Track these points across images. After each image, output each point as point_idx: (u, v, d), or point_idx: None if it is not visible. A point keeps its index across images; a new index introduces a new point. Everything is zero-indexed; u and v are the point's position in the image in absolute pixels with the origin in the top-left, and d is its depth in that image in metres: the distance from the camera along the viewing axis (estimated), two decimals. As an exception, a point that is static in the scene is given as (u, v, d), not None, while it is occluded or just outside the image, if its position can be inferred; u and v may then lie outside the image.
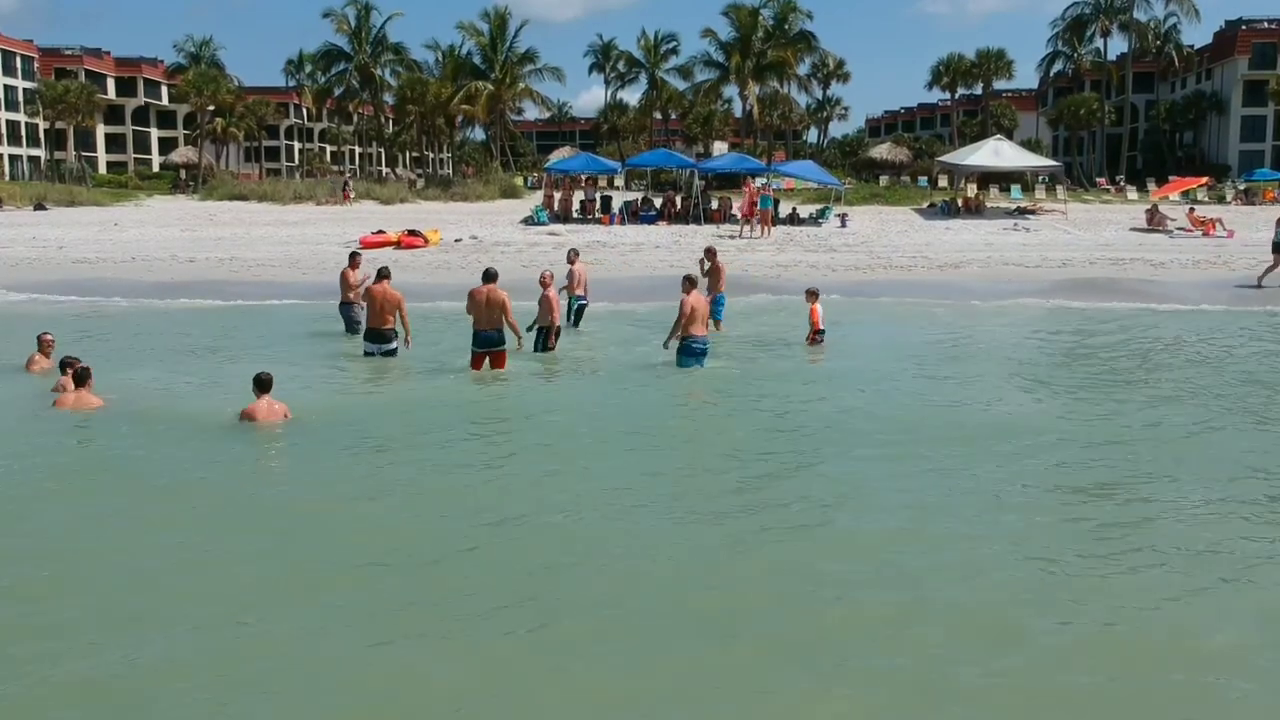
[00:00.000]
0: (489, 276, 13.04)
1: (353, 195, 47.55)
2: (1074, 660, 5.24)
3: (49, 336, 12.34)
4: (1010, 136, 56.82)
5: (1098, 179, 57.86)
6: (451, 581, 6.24)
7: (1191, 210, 36.59)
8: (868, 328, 18.30)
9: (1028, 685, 5.02)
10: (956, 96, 72.14)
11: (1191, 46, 73.85)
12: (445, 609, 5.82)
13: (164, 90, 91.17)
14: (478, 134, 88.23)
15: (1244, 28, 73.97)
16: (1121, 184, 54.57)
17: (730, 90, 61.03)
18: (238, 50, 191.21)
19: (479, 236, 32.21)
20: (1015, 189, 46.96)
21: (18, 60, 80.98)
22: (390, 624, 5.60)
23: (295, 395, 10.21)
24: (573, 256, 16.73)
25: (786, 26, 56.05)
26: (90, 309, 20.08)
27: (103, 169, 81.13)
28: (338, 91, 66.61)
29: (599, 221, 36.94)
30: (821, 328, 15.04)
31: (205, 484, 8.28)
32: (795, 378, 13.22)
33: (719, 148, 70.40)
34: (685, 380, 12.79)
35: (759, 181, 37.33)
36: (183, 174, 66.01)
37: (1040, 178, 47.24)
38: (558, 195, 39.84)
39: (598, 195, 41.77)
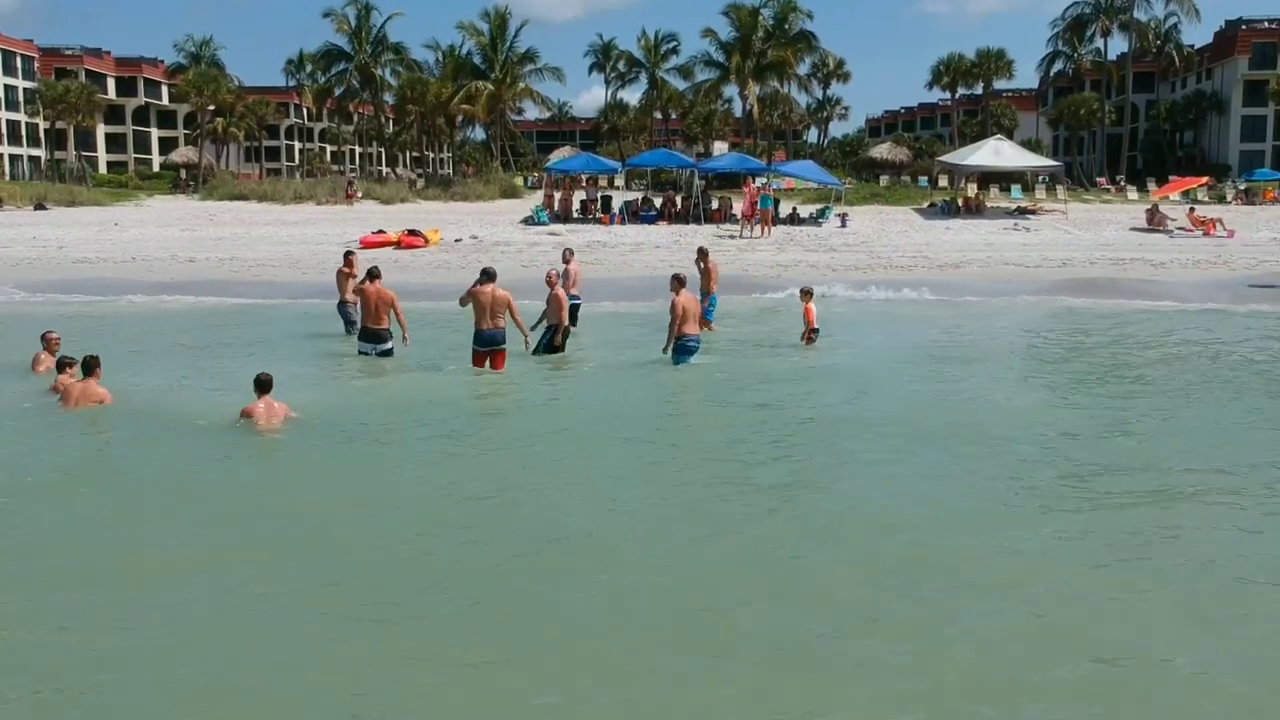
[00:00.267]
0: (490, 275, 13.02)
1: (360, 194, 47.56)
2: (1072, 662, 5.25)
3: (55, 335, 12.30)
4: (1010, 136, 56.80)
5: (1098, 179, 57.85)
6: (447, 583, 6.23)
7: (1192, 210, 36.59)
8: (866, 327, 18.31)
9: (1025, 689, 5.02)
10: (957, 96, 72.13)
11: (1192, 46, 73.85)
12: (440, 610, 5.81)
13: (164, 90, 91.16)
14: (478, 134, 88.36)
15: (1244, 27, 73.95)
16: (1122, 184, 54.56)
17: (730, 90, 61.13)
18: (238, 50, 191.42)
19: (479, 236, 32.22)
20: (1015, 189, 46.96)
21: (18, 60, 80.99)
22: (383, 626, 5.59)
23: (294, 396, 10.20)
24: (568, 256, 16.74)
25: (786, 26, 56.04)
26: (91, 309, 20.10)
27: (103, 169, 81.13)
28: (338, 91, 66.59)
29: (599, 221, 36.94)
30: (816, 327, 15.06)
31: (202, 484, 8.28)
32: (788, 377, 13.22)
33: (719, 148, 70.40)
34: (682, 380, 12.81)
35: (759, 181, 37.34)
36: (183, 174, 66.00)
37: (1040, 178, 47.24)
38: (558, 195, 39.84)
39: (598, 195, 41.77)
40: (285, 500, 7.99)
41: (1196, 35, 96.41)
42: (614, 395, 12.08)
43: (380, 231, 31.61)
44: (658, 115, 71.18)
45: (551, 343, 13.86)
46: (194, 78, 61.85)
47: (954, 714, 4.76)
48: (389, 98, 66.57)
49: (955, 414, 10.80)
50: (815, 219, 37.26)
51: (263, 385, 9.62)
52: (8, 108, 78.35)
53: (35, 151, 78.70)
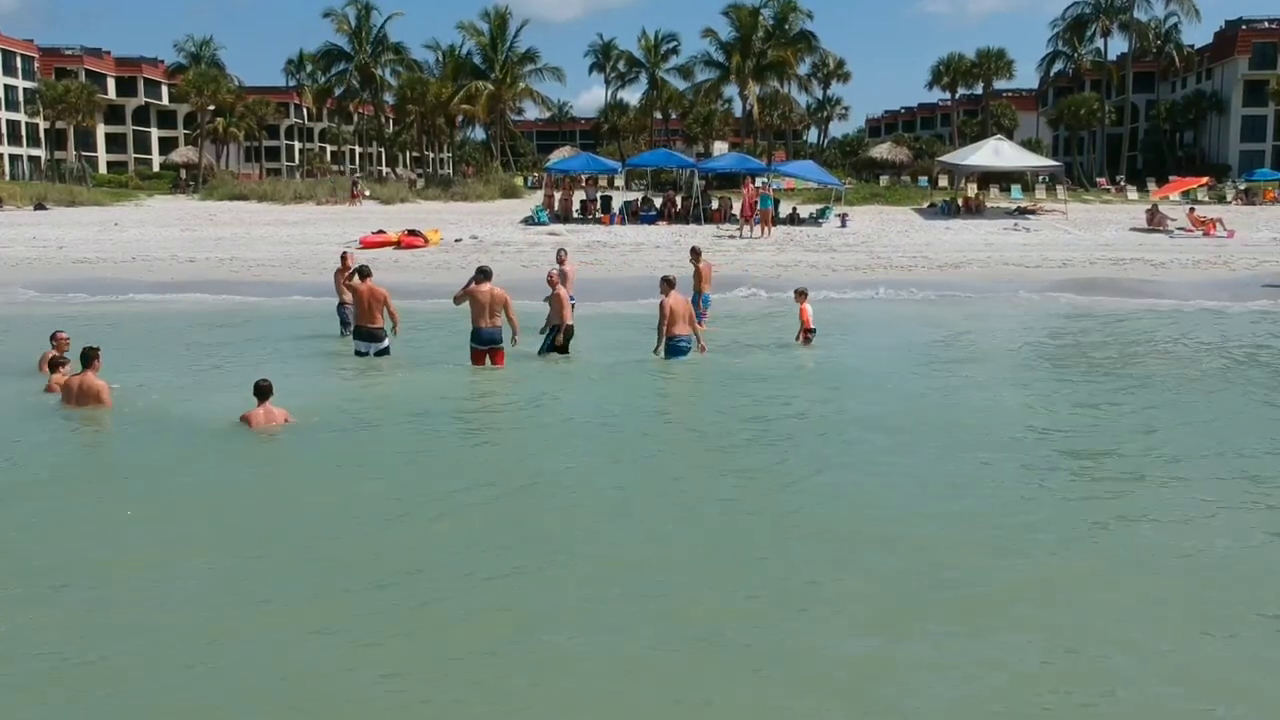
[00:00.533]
0: (486, 274, 13.09)
1: (366, 194, 47.53)
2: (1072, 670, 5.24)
3: (64, 335, 12.22)
4: (1010, 136, 56.79)
5: (1098, 179, 57.83)
6: (441, 585, 6.22)
7: (1192, 210, 36.57)
8: (865, 327, 18.32)
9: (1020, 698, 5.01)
10: (957, 96, 72.12)
11: (1192, 46, 73.85)
12: (432, 614, 5.79)
13: (164, 90, 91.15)
14: (478, 134, 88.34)
15: (1244, 27, 73.94)
16: (1122, 184, 54.55)
17: (730, 90, 61.10)
18: (238, 50, 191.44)
19: (479, 236, 32.21)
20: (1015, 189, 46.95)
21: (18, 60, 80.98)
22: (375, 630, 5.55)
23: (293, 397, 10.18)
24: (562, 256, 16.73)
25: (787, 26, 56.03)
26: (90, 309, 20.09)
27: (103, 169, 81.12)
28: (338, 91, 66.59)
29: (599, 221, 36.94)
30: (812, 327, 15.09)
31: (198, 484, 8.28)
32: (786, 377, 13.28)
33: (719, 148, 70.38)
34: (678, 380, 12.83)
35: (759, 181, 37.33)
36: (183, 174, 65.99)
37: (1040, 178, 47.22)
38: (558, 195, 39.84)
39: (598, 195, 41.77)
40: (281, 502, 7.97)
41: (1196, 35, 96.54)
42: (612, 396, 12.07)
43: (380, 232, 31.60)
44: (658, 115, 71.17)
45: (554, 343, 13.87)
46: (194, 78, 61.84)
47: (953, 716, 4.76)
48: (389, 98, 66.57)
49: (953, 414, 10.79)
50: (815, 219, 37.25)
51: (262, 392, 9.61)
52: (8, 108, 78.35)
53: (35, 151, 78.70)
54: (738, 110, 66.99)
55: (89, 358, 10.32)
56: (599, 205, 39.18)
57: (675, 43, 66.08)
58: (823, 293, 21.38)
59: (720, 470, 8.71)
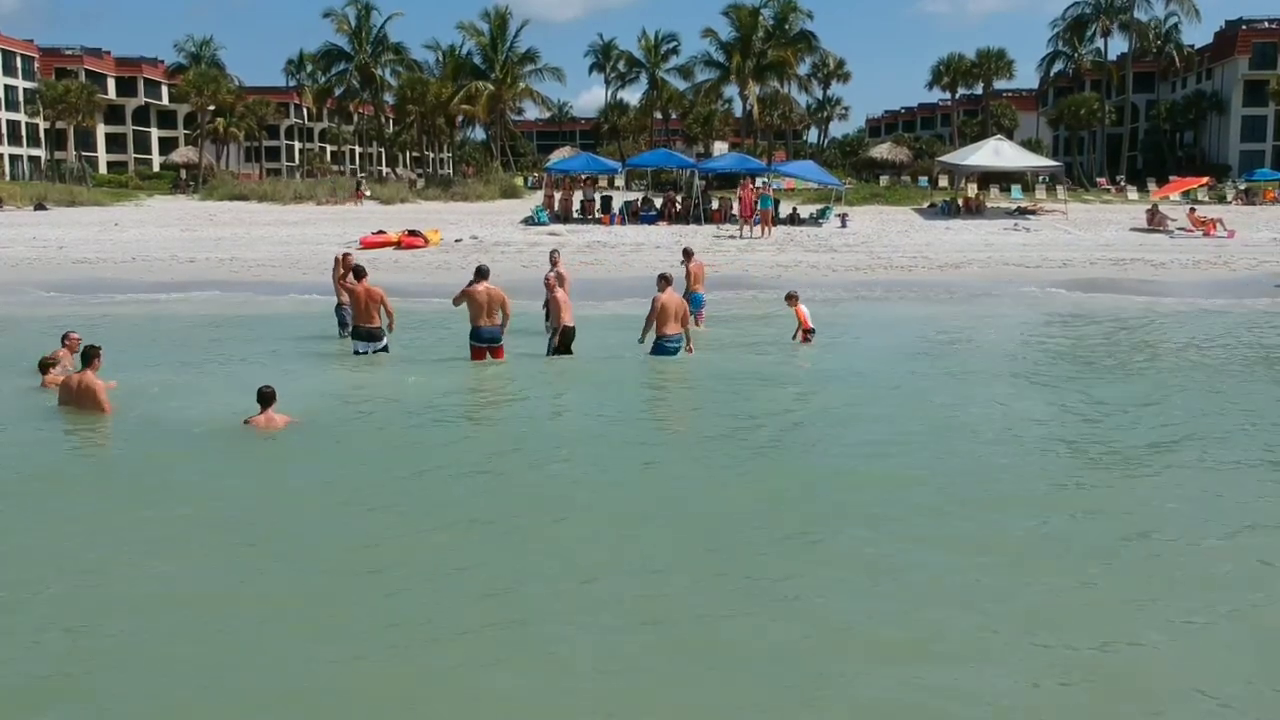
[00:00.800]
0: (483, 273, 13.18)
1: (368, 194, 47.49)
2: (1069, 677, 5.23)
3: (75, 335, 12.14)
4: (1010, 136, 56.79)
5: (1098, 179, 57.83)
6: (437, 589, 6.21)
7: (1192, 210, 36.56)
8: (865, 327, 18.31)
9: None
10: (957, 96, 72.12)
11: (1192, 46, 73.83)
12: (426, 617, 5.77)
13: (164, 90, 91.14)
14: (478, 134, 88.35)
15: (1244, 27, 73.94)
16: (1122, 184, 54.55)
17: (730, 90, 61.11)
18: (238, 50, 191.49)
19: (479, 237, 32.21)
20: (1015, 189, 46.95)
21: (18, 60, 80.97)
22: (367, 634, 5.54)
23: (293, 398, 10.16)
24: (555, 257, 16.72)
25: (787, 26, 56.04)
26: (91, 310, 20.08)
27: (103, 169, 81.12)
28: (338, 91, 66.60)
29: (599, 221, 36.94)
30: (811, 326, 15.14)
31: (196, 485, 8.27)
32: (784, 377, 13.31)
33: (719, 148, 70.39)
34: (677, 380, 12.84)
35: (759, 182, 37.32)
36: (183, 174, 65.99)
37: (1040, 178, 47.22)
38: (558, 195, 39.83)
39: (598, 195, 41.77)
40: (280, 502, 7.96)
41: (1197, 35, 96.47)
42: (611, 396, 12.05)
43: (380, 232, 31.60)
44: (658, 115, 71.17)
45: (554, 345, 13.86)
46: (194, 78, 61.84)
47: None
48: (389, 98, 66.58)
49: (952, 414, 10.77)
50: (815, 219, 37.25)
51: (265, 399, 9.59)
52: (8, 108, 78.33)
53: (35, 151, 78.69)
54: (738, 110, 67.06)
55: (89, 357, 10.31)
56: (599, 205, 39.18)
57: (675, 43, 66.19)
58: (823, 293, 21.43)
59: (720, 472, 8.69)
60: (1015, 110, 75.37)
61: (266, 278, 24.91)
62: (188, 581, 6.26)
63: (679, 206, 38.45)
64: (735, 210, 36.03)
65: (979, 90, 71.66)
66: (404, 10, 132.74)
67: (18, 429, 10.14)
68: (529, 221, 36.23)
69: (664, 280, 13.47)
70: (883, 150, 65.30)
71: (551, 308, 13.96)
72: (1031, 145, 57.87)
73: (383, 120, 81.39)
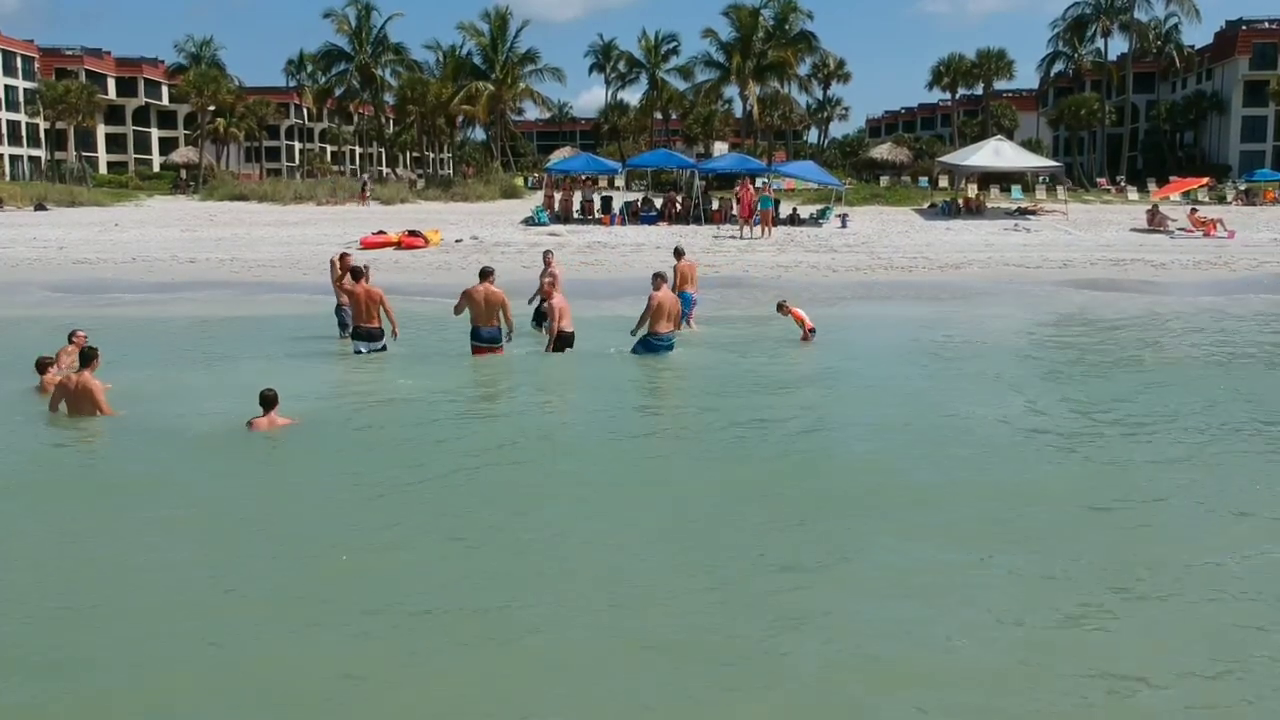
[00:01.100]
0: (486, 274, 13.28)
1: (370, 194, 47.42)
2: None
3: (82, 334, 12.08)
4: (1011, 137, 56.80)
5: (1098, 179, 57.84)
6: (434, 593, 6.20)
7: (1193, 211, 36.56)
8: (864, 327, 18.31)
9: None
10: (957, 97, 72.14)
11: (1192, 46, 73.84)
12: (420, 622, 5.77)
13: (164, 90, 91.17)
14: (478, 134, 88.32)
15: (1244, 28, 73.96)
16: (1122, 184, 54.55)
17: (731, 90, 61.14)
18: (238, 50, 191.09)
19: (479, 237, 32.19)
20: (1016, 189, 46.96)
21: (18, 60, 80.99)
22: (361, 638, 5.53)
23: (292, 399, 10.15)
24: (549, 258, 16.73)
25: (787, 27, 56.06)
26: (91, 310, 20.07)
27: (103, 169, 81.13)
28: (338, 92, 66.61)
29: (599, 222, 36.93)
30: (812, 326, 15.21)
31: (198, 487, 8.27)
32: (783, 377, 13.31)
33: (719, 148, 70.40)
34: (675, 380, 12.87)
35: (760, 182, 37.31)
36: (183, 174, 66.00)
37: (1041, 178, 47.22)
38: (558, 196, 39.82)
39: (598, 196, 41.77)
40: (279, 505, 7.96)
41: (1197, 35, 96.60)
42: (610, 397, 12.05)
43: (380, 232, 31.59)
44: (658, 116, 71.18)
45: (552, 345, 13.85)
46: (194, 78, 61.85)
47: None
48: (389, 98, 66.58)
49: (951, 415, 10.76)
50: (815, 219, 37.25)
51: (267, 402, 9.59)
52: (8, 108, 78.35)
53: (35, 152, 78.70)
54: (738, 111, 67.08)
55: (88, 358, 10.32)
56: (599, 206, 39.17)
57: (675, 43, 66.23)
58: (823, 294, 21.45)
59: (719, 473, 8.69)
60: (1015, 110, 75.40)
61: (267, 278, 24.89)
62: (187, 582, 6.25)
63: (679, 207, 38.44)
64: (735, 211, 36.03)
65: (979, 90, 71.69)
66: (404, 10, 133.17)
67: (14, 430, 10.11)
68: (529, 222, 36.23)
69: (659, 279, 13.57)
70: (883, 150, 65.30)
71: (549, 313, 13.91)
72: (1032, 145, 57.87)
73: (383, 120, 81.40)
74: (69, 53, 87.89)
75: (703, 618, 5.71)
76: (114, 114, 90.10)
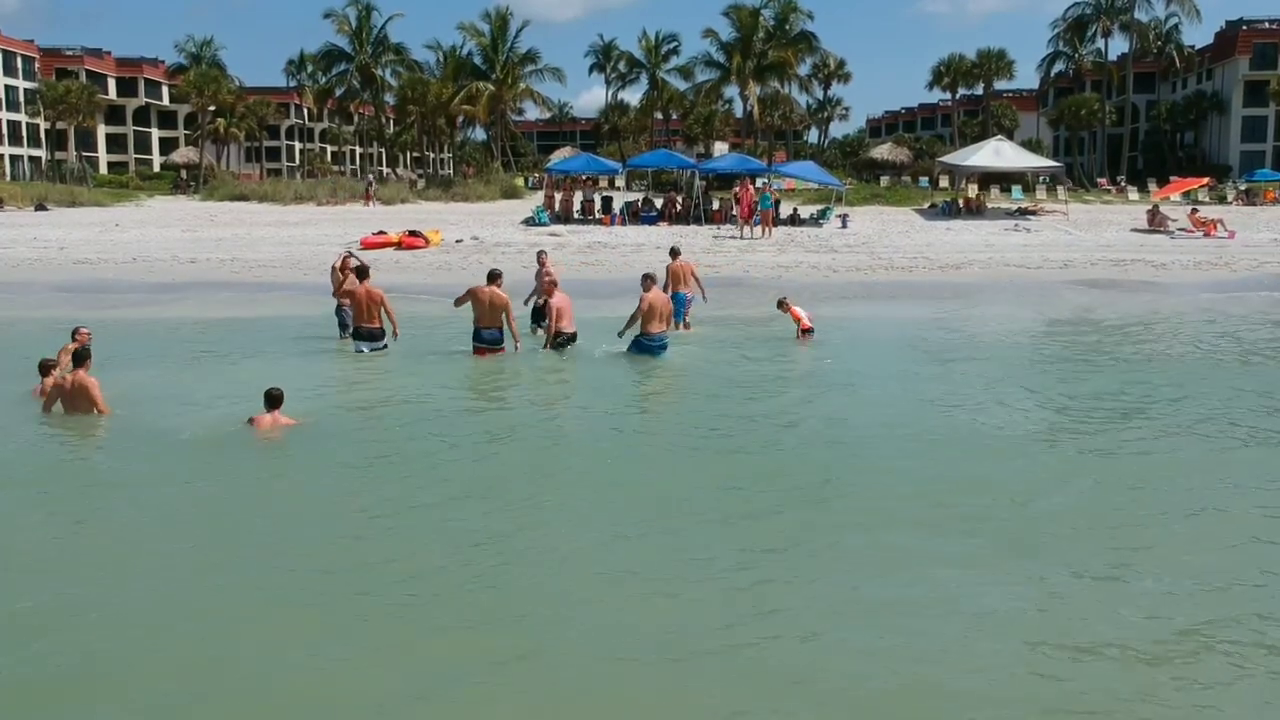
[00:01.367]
0: (492, 277, 13.39)
1: (374, 194, 47.38)
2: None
3: (86, 331, 12.05)
4: (1011, 137, 56.78)
5: (1099, 179, 57.82)
6: (431, 595, 6.21)
7: (1194, 211, 36.55)
8: (864, 327, 18.29)
9: None
10: (957, 97, 72.13)
11: (1192, 47, 73.82)
12: (417, 625, 5.77)
13: (165, 90, 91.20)
14: (478, 134, 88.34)
15: (1245, 28, 73.97)
16: (1122, 184, 54.54)
17: (731, 90, 61.10)
18: (238, 50, 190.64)
19: (480, 237, 32.19)
20: (1016, 189, 46.94)
21: (18, 60, 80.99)
22: (354, 642, 5.53)
23: (293, 400, 10.15)
24: (543, 258, 16.74)
25: (787, 27, 56.05)
26: (91, 311, 20.06)
27: (104, 169, 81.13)
28: (339, 92, 66.59)
29: (600, 222, 36.93)
30: (810, 326, 15.18)
31: (198, 488, 8.28)
32: (781, 378, 13.36)
33: (720, 148, 70.36)
34: (674, 381, 12.88)
35: (760, 182, 37.29)
36: (183, 174, 65.99)
37: (1041, 178, 47.20)
38: (558, 196, 39.80)
39: (598, 196, 41.76)
40: (278, 505, 7.97)
41: (1197, 35, 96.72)
42: (609, 397, 12.05)
43: (381, 232, 31.58)
44: (658, 116, 71.17)
45: (551, 343, 13.86)
46: (195, 78, 61.85)
47: None
48: (390, 98, 66.55)
49: (950, 417, 10.77)
50: (816, 220, 37.24)
51: (273, 400, 9.62)
52: (8, 108, 78.36)
53: (36, 152, 78.71)
54: (738, 111, 67.04)
55: (81, 357, 10.36)
56: (599, 206, 39.17)
57: (676, 43, 66.21)
58: (823, 294, 21.44)
59: (719, 474, 8.70)
60: (1016, 111, 75.40)
61: (268, 279, 24.89)
62: (186, 582, 6.26)
63: (679, 207, 38.44)
64: (735, 211, 36.02)
65: (979, 90, 71.68)
66: (404, 11, 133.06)
67: (13, 431, 10.11)
68: (529, 222, 36.22)
69: (649, 280, 13.68)
70: (883, 151, 65.29)
71: (549, 314, 13.84)
72: (1032, 146, 57.87)
73: (383, 121, 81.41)
74: (69, 53, 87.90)
75: (700, 615, 5.72)
76: (114, 114, 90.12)
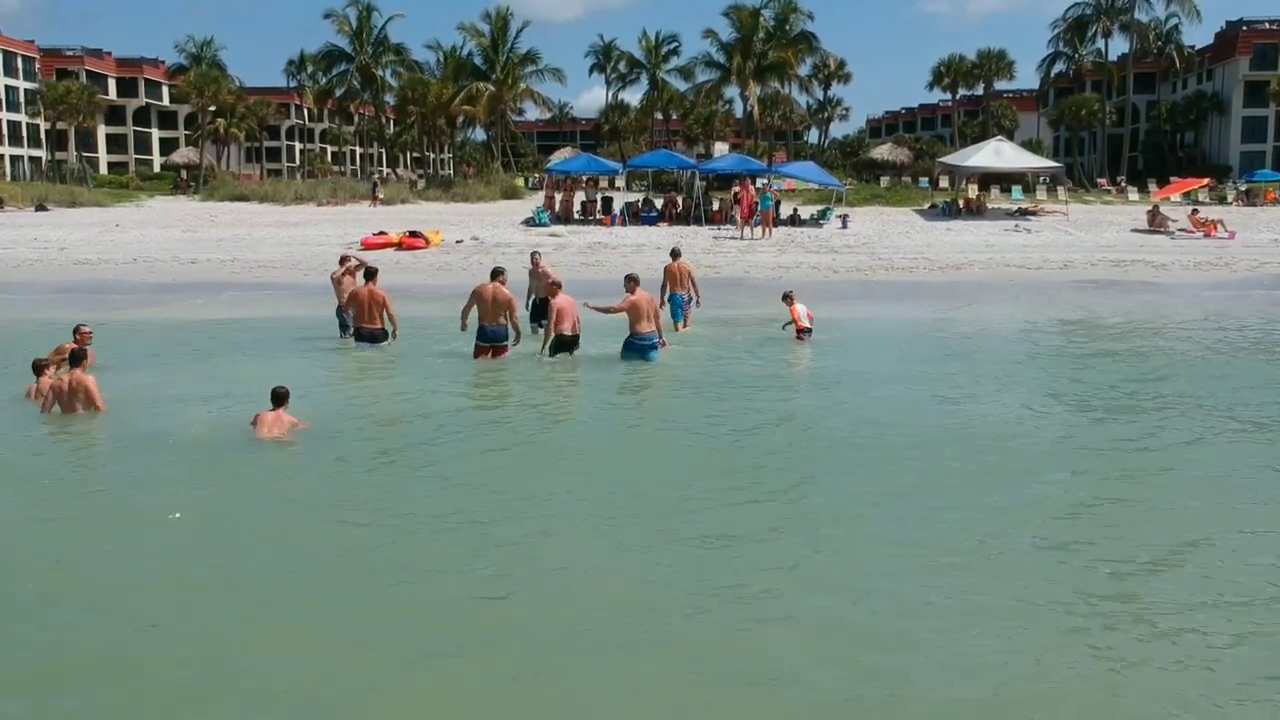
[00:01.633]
0: (495, 273, 13.60)
1: (381, 196, 47.38)
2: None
3: (87, 329, 12.05)
4: (1011, 137, 56.80)
5: (1099, 180, 57.83)
6: (432, 595, 6.21)
7: (1194, 212, 36.56)
8: (864, 327, 18.30)
9: None
10: (957, 97, 72.16)
11: (1192, 47, 73.82)
12: (415, 627, 5.76)
13: (165, 91, 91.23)
14: (479, 134, 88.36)
15: (1245, 28, 73.99)
16: (1123, 185, 54.55)
17: (731, 91, 61.13)
18: (239, 50, 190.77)
19: (480, 238, 32.21)
20: (1016, 190, 46.95)
21: (19, 61, 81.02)
22: (355, 641, 5.53)
23: (293, 400, 10.15)
24: (536, 258, 16.71)
25: (787, 27, 56.07)
26: (91, 311, 20.07)
27: (104, 169, 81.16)
28: (339, 92, 66.63)
29: (600, 222, 36.95)
30: (808, 326, 15.17)
31: (199, 490, 8.28)
32: (779, 378, 13.38)
33: (720, 148, 70.36)
34: (673, 381, 12.89)
35: (760, 182, 37.30)
36: (184, 174, 66.02)
37: (1041, 178, 47.21)
38: (559, 196, 39.81)
39: (599, 196, 41.77)
40: (278, 505, 7.97)
41: (1197, 36, 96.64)
42: (607, 397, 12.07)
43: (381, 233, 31.61)
44: (658, 116, 71.19)
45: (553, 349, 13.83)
46: (195, 78, 61.88)
47: None
48: (390, 98, 66.56)
49: (950, 418, 10.77)
50: (816, 220, 37.26)
51: (279, 398, 9.64)
52: (8, 108, 78.38)
53: (36, 152, 78.73)
54: (738, 111, 67.04)
55: (77, 357, 10.40)
56: (600, 206, 39.18)
57: (676, 43, 66.20)
58: (823, 294, 21.42)
59: (718, 476, 8.70)
60: (1016, 111, 75.44)
61: (268, 279, 24.92)
62: (186, 581, 6.27)
63: (680, 207, 38.46)
64: (735, 212, 36.03)
65: (979, 91, 71.71)
66: (405, 11, 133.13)
67: (11, 432, 10.11)
68: (530, 222, 36.24)
69: (632, 281, 13.72)
70: (883, 151, 65.32)
71: (549, 315, 13.62)
72: (1032, 146, 57.89)
73: (383, 121, 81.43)
74: (69, 53, 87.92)
75: (698, 617, 5.73)
76: (114, 114, 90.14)
